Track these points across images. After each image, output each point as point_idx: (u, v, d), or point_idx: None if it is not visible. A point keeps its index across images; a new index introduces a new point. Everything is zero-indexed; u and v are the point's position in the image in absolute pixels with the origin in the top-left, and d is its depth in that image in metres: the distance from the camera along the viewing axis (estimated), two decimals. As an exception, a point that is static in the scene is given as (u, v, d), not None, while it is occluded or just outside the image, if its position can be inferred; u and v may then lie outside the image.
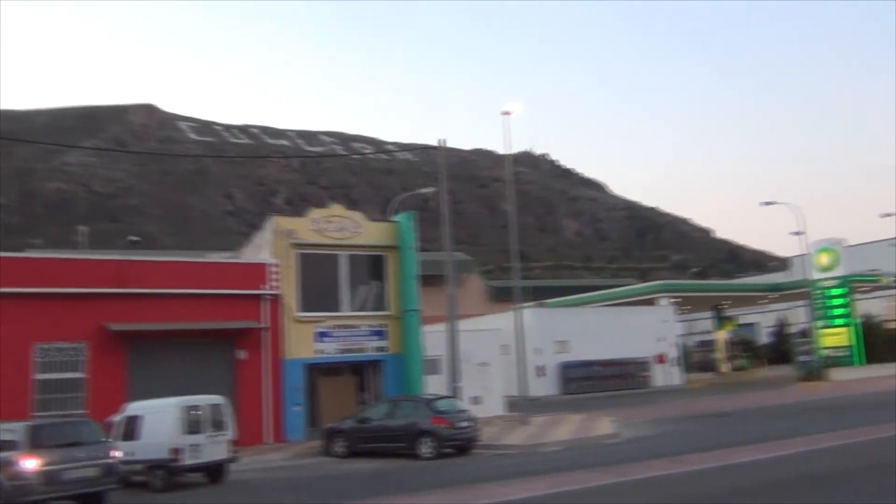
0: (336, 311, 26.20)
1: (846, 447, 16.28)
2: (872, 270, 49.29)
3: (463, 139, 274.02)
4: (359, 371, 26.84)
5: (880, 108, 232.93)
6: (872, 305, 49.01)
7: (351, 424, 20.67)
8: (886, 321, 47.38)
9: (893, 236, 60.66)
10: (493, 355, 31.42)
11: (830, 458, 15.02)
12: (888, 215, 51.85)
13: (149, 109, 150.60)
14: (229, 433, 16.72)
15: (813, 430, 19.33)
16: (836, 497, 11.22)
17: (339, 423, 21.06)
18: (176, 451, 15.72)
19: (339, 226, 26.68)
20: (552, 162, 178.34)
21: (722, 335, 56.44)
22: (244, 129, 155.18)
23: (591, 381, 41.95)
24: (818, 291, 45.74)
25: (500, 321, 38.15)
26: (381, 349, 26.69)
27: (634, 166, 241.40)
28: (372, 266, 27.33)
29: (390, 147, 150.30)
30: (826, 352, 44.18)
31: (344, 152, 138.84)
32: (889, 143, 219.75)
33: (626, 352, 43.82)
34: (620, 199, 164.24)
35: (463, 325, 27.12)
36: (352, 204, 62.49)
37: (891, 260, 56.17)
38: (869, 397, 29.11)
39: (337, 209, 27.72)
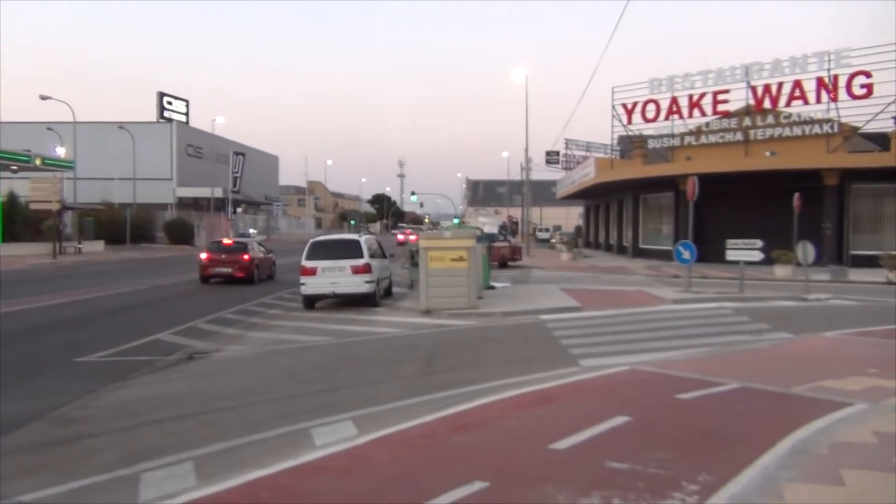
0: None
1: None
2: (26, 151, 49.03)
3: None
4: None
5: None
6: (21, 185, 48.56)
7: None
8: (32, 202, 47.54)
9: (51, 120, 61.62)
10: None
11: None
12: (47, 98, 52.29)
13: None
14: None
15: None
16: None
17: None
18: None
19: None
20: None
21: None
22: None
23: None
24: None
25: None
26: None
27: None
28: None
29: None
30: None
31: None
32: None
33: None
34: None
35: None
36: None
37: (46, 143, 57.03)
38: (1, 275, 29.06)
39: None
